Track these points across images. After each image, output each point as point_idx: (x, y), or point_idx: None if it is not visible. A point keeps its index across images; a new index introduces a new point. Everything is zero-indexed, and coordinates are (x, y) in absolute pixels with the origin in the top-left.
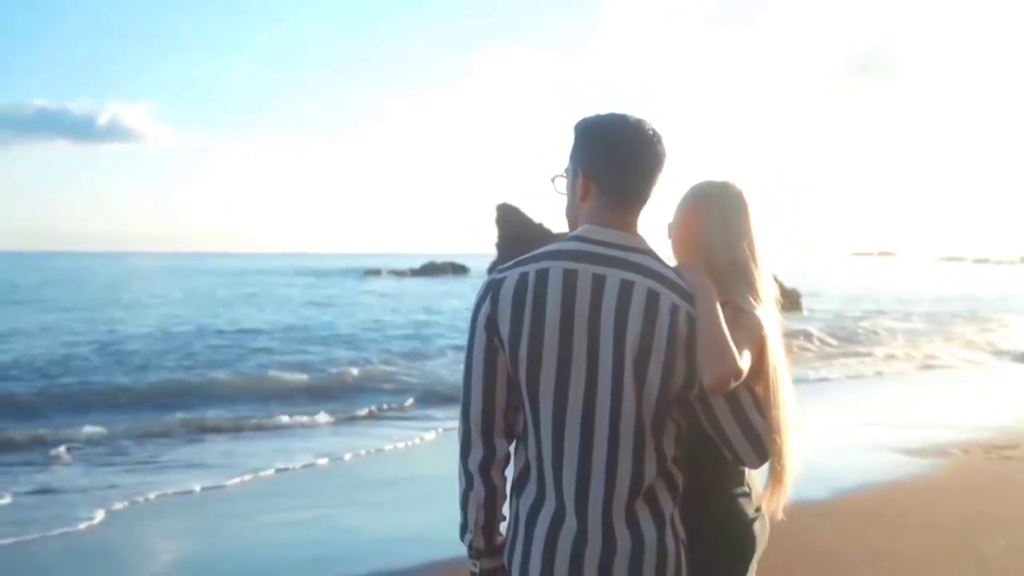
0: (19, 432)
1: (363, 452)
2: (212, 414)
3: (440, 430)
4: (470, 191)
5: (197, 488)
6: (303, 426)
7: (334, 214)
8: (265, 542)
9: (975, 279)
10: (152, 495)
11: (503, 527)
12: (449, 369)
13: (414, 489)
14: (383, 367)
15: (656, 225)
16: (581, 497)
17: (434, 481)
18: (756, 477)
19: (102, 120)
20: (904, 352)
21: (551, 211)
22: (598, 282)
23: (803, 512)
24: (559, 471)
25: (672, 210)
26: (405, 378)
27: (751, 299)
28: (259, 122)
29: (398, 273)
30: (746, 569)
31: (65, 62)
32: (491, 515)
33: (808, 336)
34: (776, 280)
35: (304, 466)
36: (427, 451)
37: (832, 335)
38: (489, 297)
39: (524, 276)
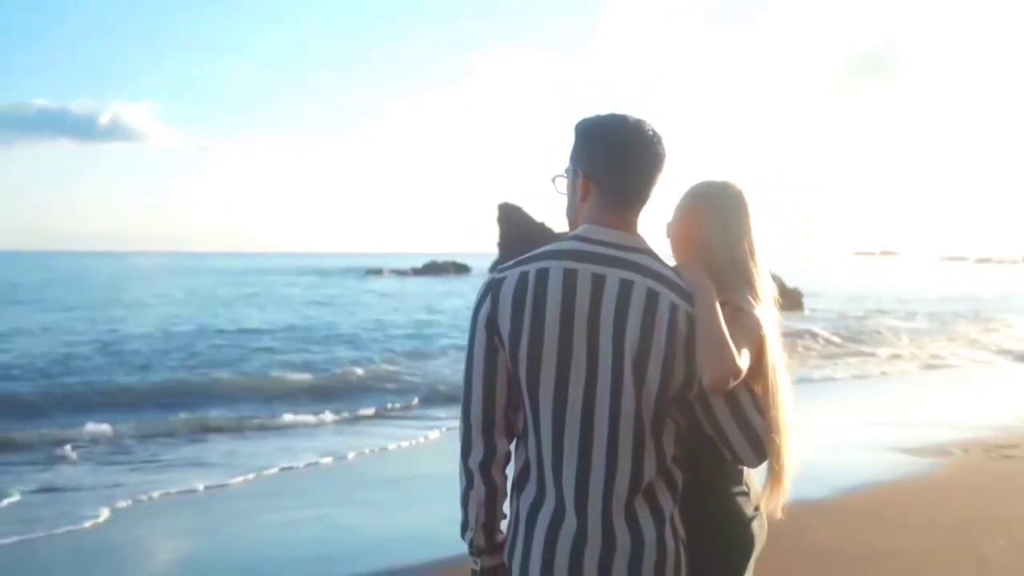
0: (24, 431)
1: (367, 451)
2: (215, 414)
3: (443, 429)
4: (470, 191)
5: (201, 487)
6: (306, 425)
7: (335, 214)
8: (268, 541)
9: (977, 279)
10: (156, 494)
11: (504, 525)
12: (452, 369)
13: (416, 488)
14: (386, 367)
15: (655, 225)
16: (581, 495)
17: (436, 480)
18: (754, 476)
19: (104, 120)
20: (908, 352)
21: (552, 211)
22: (598, 281)
23: (803, 511)
24: (559, 469)
25: (671, 210)
26: (408, 378)
27: (750, 299)
28: (259, 122)
29: (400, 272)
30: (745, 568)
31: (65, 62)
32: (492, 513)
33: (813, 336)
34: (777, 280)
35: (307, 465)
36: (430, 450)
37: (837, 335)
38: (489, 297)
39: (524, 275)
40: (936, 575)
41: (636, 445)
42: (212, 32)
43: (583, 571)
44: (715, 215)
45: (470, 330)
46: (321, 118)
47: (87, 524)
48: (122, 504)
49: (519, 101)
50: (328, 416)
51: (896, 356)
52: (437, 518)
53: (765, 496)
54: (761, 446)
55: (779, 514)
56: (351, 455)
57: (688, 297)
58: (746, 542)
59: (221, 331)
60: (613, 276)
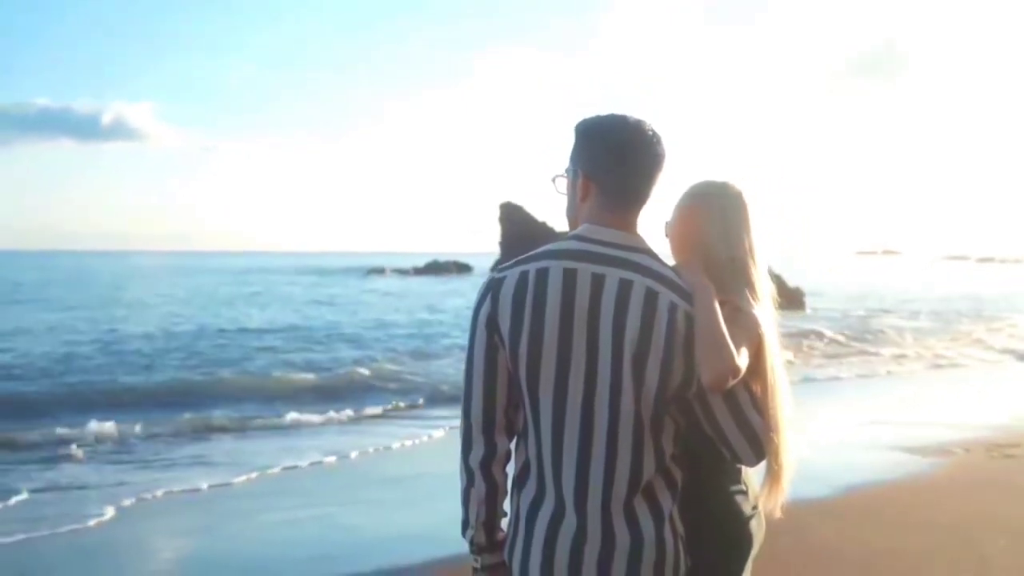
0: (29, 431)
1: (371, 450)
2: (219, 413)
3: (446, 428)
4: (471, 191)
5: (205, 486)
6: (310, 425)
7: (336, 213)
8: (270, 540)
9: (979, 278)
10: (160, 493)
11: (504, 523)
12: (455, 368)
13: (419, 487)
14: (389, 366)
15: (654, 224)
16: (580, 493)
17: (439, 479)
18: (753, 475)
19: (106, 119)
20: (913, 351)
21: (553, 210)
22: (597, 281)
23: (803, 510)
24: (558, 468)
25: (670, 209)
26: (411, 377)
27: (749, 298)
28: (259, 122)
29: (402, 272)
30: (743, 566)
31: (65, 62)
32: (492, 511)
33: (818, 335)
34: (778, 279)
35: (311, 464)
36: (434, 449)
37: (841, 334)
38: (489, 296)
39: (524, 275)
40: (936, 574)
41: (635, 443)
42: (212, 32)
43: (583, 569)
44: (715, 215)
45: (470, 329)
46: (321, 118)
47: (92, 522)
48: (127, 503)
49: (519, 101)
50: (332, 415)
51: (901, 356)
52: (439, 517)
53: (764, 495)
54: (760, 445)
55: (778, 513)
56: (354, 454)
57: (687, 297)
58: (744, 541)
59: (223, 330)
60: (612, 275)
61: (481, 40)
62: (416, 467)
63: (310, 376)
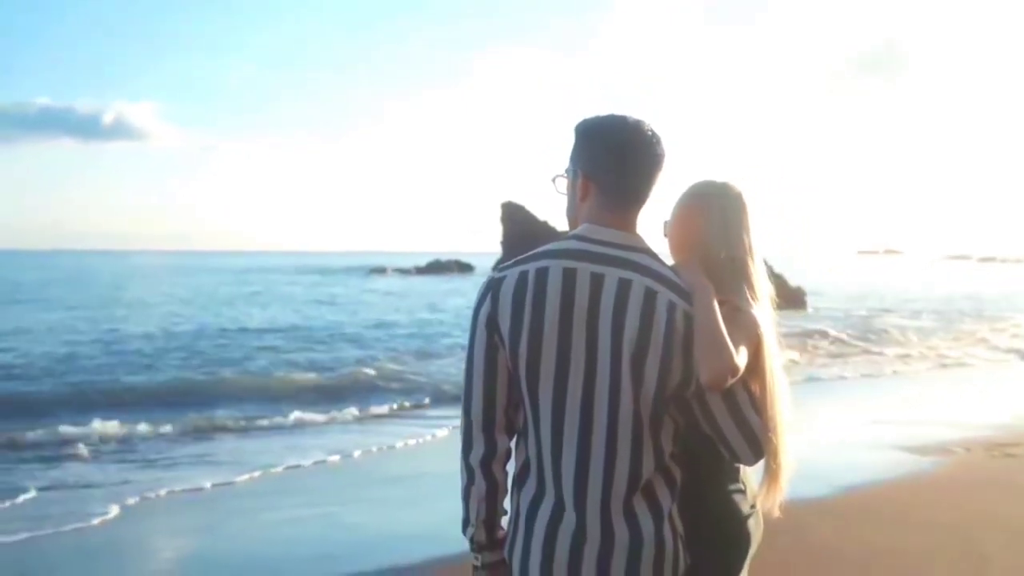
0: (33, 430)
1: (374, 449)
2: (222, 413)
3: (450, 428)
4: (471, 191)
5: (208, 485)
6: (314, 424)
7: (337, 213)
8: (273, 538)
9: (981, 277)
10: (164, 492)
11: (505, 521)
12: (457, 368)
13: (421, 486)
14: (391, 366)
15: (654, 224)
16: (580, 492)
17: (441, 478)
18: (751, 474)
19: (107, 119)
20: (916, 351)
21: (553, 210)
22: (596, 280)
23: (803, 509)
24: (558, 466)
25: (670, 209)
26: (413, 377)
27: (748, 298)
28: (259, 122)
29: (403, 271)
30: (741, 565)
31: (67, 61)
32: (492, 509)
33: (823, 334)
34: (780, 279)
35: (315, 463)
36: (437, 449)
37: (846, 333)
38: (489, 296)
39: (524, 275)
40: (936, 573)
41: (635, 442)
42: (212, 32)
43: (582, 567)
44: (714, 215)
45: (471, 329)
46: (321, 118)
47: (96, 521)
48: (131, 501)
49: (519, 101)
50: (336, 415)
51: (905, 355)
52: (441, 516)
53: (762, 495)
54: (758, 444)
55: (777, 512)
56: (357, 453)
57: (686, 296)
58: (743, 540)
59: (225, 330)
60: (612, 275)
61: (481, 40)
62: (419, 466)
63: (314, 376)
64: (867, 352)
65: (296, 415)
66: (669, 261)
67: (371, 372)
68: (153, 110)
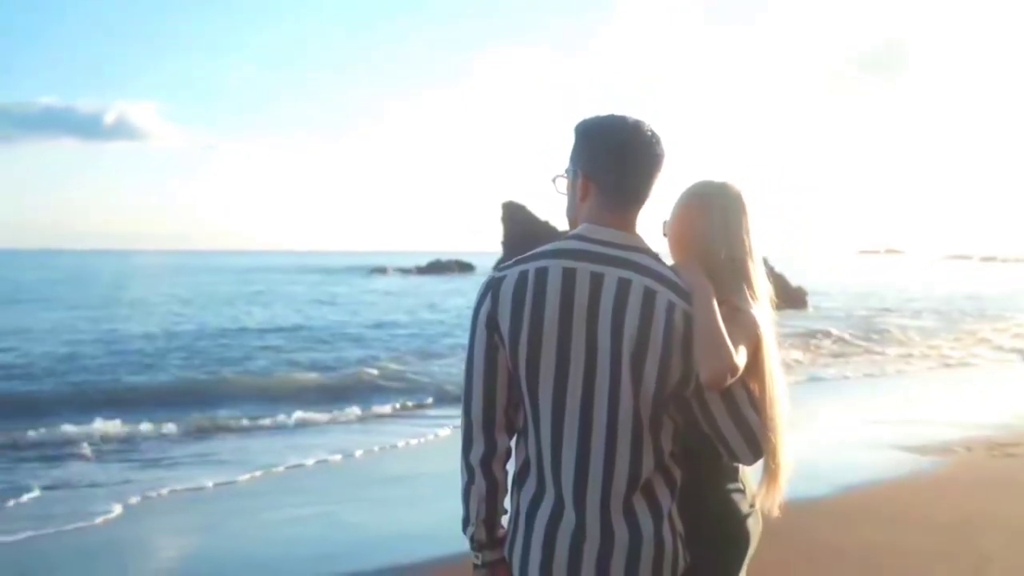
0: (36, 430)
1: (376, 448)
2: (224, 412)
3: (452, 427)
4: (471, 191)
5: (210, 484)
6: (316, 424)
7: (337, 213)
8: (274, 537)
9: (983, 277)
10: (165, 491)
11: (505, 520)
12: (459, 368)
13: (423, 486)
14: (393, 366)
15: (652, 224)
16: (579, 491)
17: (442, 478)
18: (749, 474)
19: (108, 118)
20: (919, 351)
21: (554, 210)
22: (596, 280)
23: (803, 509)
24: (558, 465)
25: (669, 209)
26: (417, 377)
27: (747, 298)
28: (259, 122)
29: (404, 271)
30: (741, 565)
31: (69, 61)
32: (492, 508)
33: (826, 334)
34: (781, 278)
35: (317, 462)
36: (439, 448)
37: (849, 333)
38: (489, 295)
39: (524, 274)
40: (936, 572)
41: (634, 442)
42: (212, 32)
43: (582, 566)
44: (715, 215)
45: (471, 328)
46: (321, 118)
47: (99, 520)
48: (133, 500)
49: (519, 101)
50: (338, 415)
51: (907, 355)
52: (442, 515)
53: (761, 494)
54: (757, 444)
55: (776, 512)
56: (359, 453)
57: (685, 296)
58: (741, 539)
59: (227, 330)
60: (611, 275)
61: (481, 40)
62: (420, 466)
63: (316, 376)
64: (870, 352)
65: (298, 415)
66: (669, 261)
67: (373, 372)
68: (154, 110)
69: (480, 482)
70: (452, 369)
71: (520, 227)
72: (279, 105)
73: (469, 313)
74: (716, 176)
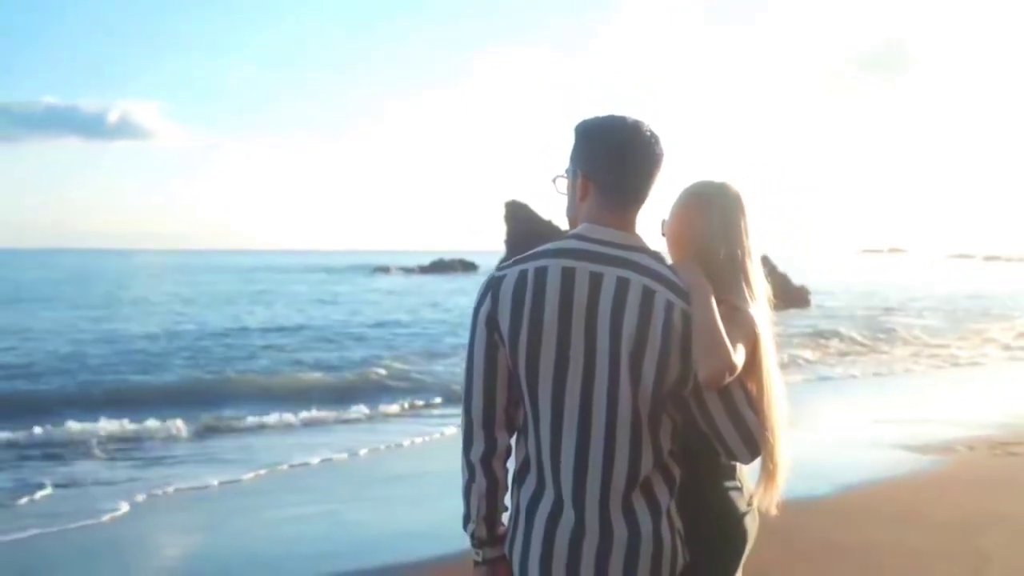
0: (42, 429)
1: (382, 447)
2: (230, 411)
3: (458, 426)
4: (471, 191)
5: (215, 482)
6: (323, 423)
7: (338, 212)
8: (277, 535)
9: (986, 276)
10: (171, 489)
11: (505, 518)
12: (463, 367)
13: (426, 484)
14: (399, 365)
15: (651, 223)
16: (578, 489)
17: (445, 476)
18: (747, 472)
19: (112, 117)
20: (926, 350)
21: (555, 209)
22: (595, 279)
23: (804, 507)
24: (557, 463)
25: (668, 208)
26: (422, 376)
27: (746, 297)
28: (260, 122)
29: (407, 270)
30: (738, 563)
31: (72, 61)
32: (493, 506)
33: (834, 333)
34: (785, 278)
35: (322, 461)
36: (444, 447)
37: (856, 332)
38: (489, 295)
39: (523, 274)
40: (936, 571)
41: (633, 440)
42: (212, 32)
43: (581, 563)
44: (715, 214)
45: (471, 327)
46: (321, 118)
47: (106, 518)
48: (140, 498)
49: (519, 101)
50: (345, 414)
51: (914, 354)
52: (445, 514)
53: (759, 493)
54: (754, 443)
55: (774, 511)
56: (364, 452)
57: (684, 295)
58: (739, 537)
59: (231, 329)
60: (610, 274)
61: (481, 40)
62: (425, 464)
63: (323, 375)
64: (877, 351)
65: (304, 414)
66: (669, 260)
67: (380, 371)
68: (157, 110)
69: (480, 480)
70: (457, 368)
71: (523, 226)
72: (279, 105)
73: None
74: (715, 176)
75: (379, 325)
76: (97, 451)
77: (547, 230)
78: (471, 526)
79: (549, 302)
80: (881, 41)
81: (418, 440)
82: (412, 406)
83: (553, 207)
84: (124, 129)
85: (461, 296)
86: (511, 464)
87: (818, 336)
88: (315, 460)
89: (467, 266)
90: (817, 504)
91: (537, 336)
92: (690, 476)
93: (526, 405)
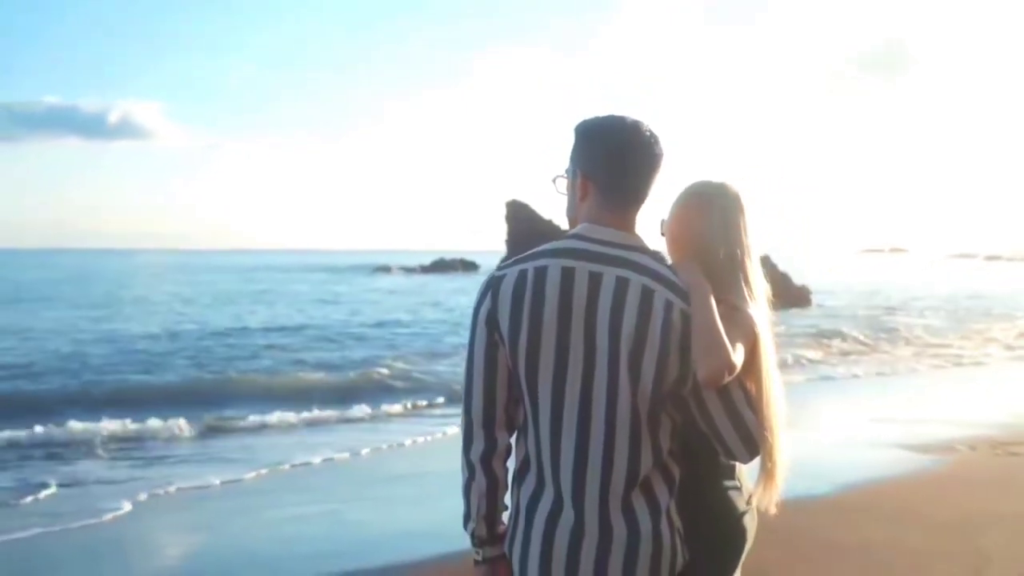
0: (44, 428)
1: (384, 447)
2: (232, 411)
3: (457, 426)
4: (471, 190)
5: (216, 482)
6: (325, 422)
7: (339, 212)
8: (278, 535)
9: (987, 276)
10: (173, 488)
11: (505, 517)
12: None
13: (427, 484)
14: (401, 365)
15: (651, 223)
16: (578, 488)
17: (447, 476)
18: (745, 471)
19: (113, 117)
20: (928, 349)
21: (555, 209)
22: (594, 279)
23: (804, 506)
24: (557, 462)
25: (667, 208)
26: (425, 376)
27: (745, 297)
28: (260, 122)
29: (408, 270)
30: (737, 561)
31: (72, 61)
32: (493, 505)
33: (836, 333)
34: (787, 278)
35: (324, 460)
36: (446, 446)
37: (859, 332)
38: (489, 294)
39: (523, 273)
40: (936, 571)
41: (632, 439)
42: (212, 32)
43: (580, 562)
44: (715, 214)
45: (471, 327)
46: (321, 118)
47: (108, 517)
48: (142, 497)
49: (519, 101)
50: (347, 413)
51: (917, 354)
52: (446, 513)
53: (758, 492)
54: (753, 443)
55: (773, 510)
56: (366, 451)
57: (683, 295)
58: (739, 536)
59: (233, 329)
60: (610, 274)
61: (481, 40)
62: (427, 464)
63: (324, 375)
64: (880, 351)
65: (307, 414)
66: (669, 260)
67: (383, 371)
68: (158, 110)
69: (480, 479)
70: (459, 368)
71: (524, 225)
72: (279, 105)
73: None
74: (715, 176)
75: (380, 325)
76: (99, 451)
77: (548, 230)
78: (471, 525)
79: (549, 302)
80: (881, 41)
81: (420, 440)
82: (415, 406)
83: (554, 207)
84: (124, 129)
85: (462, 296)
86: (511, 463)
87: (820, 336)
88: (317, 460)
89: (468, 266)
90: (817, 503)
91: (537, 335)
92: (689, 475)
93: (526, 404)
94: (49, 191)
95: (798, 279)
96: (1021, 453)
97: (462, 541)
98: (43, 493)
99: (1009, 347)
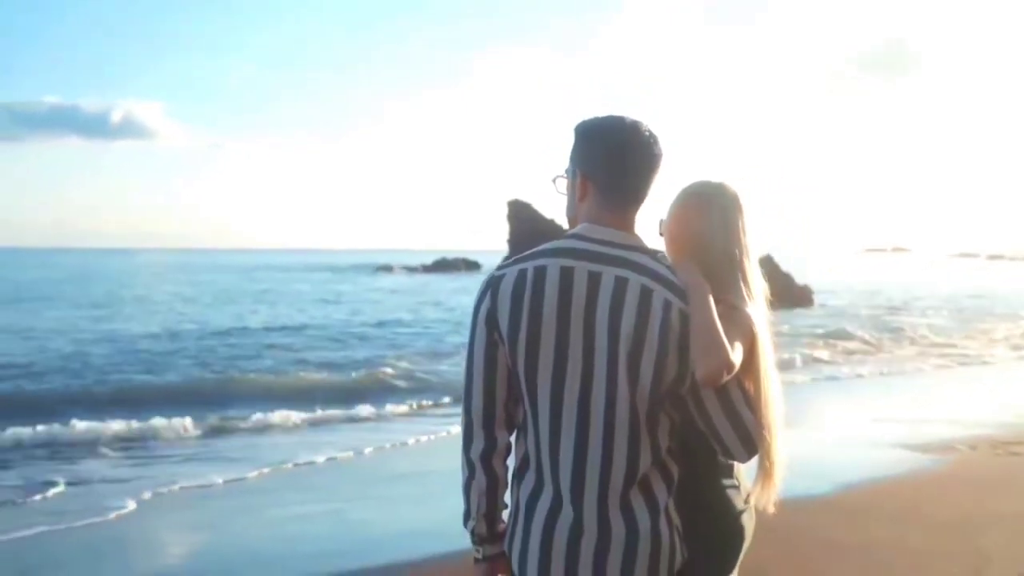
0: (48, 428)
1: (387, 446)
2: (235, 411)
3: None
4: (472, 190)
5: (220, 481)
6: (328, 422)
7: (340, 211)
8: (280, 534)
9: (990, 275)
10: (176, 487)
11: (505, 515)
12: None
13: (429, 483)
14: (405, 364)
15: (651, 223)
16: (577, 486)
17: (449, 475)
18: (743, 470)
19: (115, 117)
20: (933, 349)
21: (556, 208)
22: (594, 279)
23: (805, 505)
24: (556, 461)
25: (667, 208)
26: (429, 375)
27: (744, 296)
28: (260, 122)
29: (410, 269)
30: (736, 560)
31: (73, 61)
32: (492, 503)
33: (841, 333)
34: (789, 277)
35: (327, 460)
36: (449, 445)
37: (864, 332)
38: (489, 293)
39: (523, 273)
40: (936, 570)
41: (631, 438)
42: (212, 32)
43: (579, 561)
44: (714, 214)
45: (471, 326)
46: (321, 118)
47: (113, 515)
48: (146, 496)
49: (519, 101)
50: (351, 413)
51: (921, 353)
52: (448, 512)
53: (757, 491)
54: (751, 442)
55: (771, 509)
56: (369, 450)
57: (682, 295)
58: (737, 535)
59: (236, 329)
60: (608, 273)
61: (481, 40)
62: (430, 463)
63: (328, 375)
64: (883, 350)
65: (310, 413)
66: (668, 260)
67: (387, 370)
68: (160, 110)
69: (480, 477)
70: (462, 367)
71: (526, 225)
72: (279, 105)
73: None
74: (714, 176)
75: (382, 324)
76: (104, 450)
77: (550, 229)
78: (471, 523)
79: (548, 301)
80: (881, 41)
81: (423, 439)
82: (420, 406)
83: (555, 207)
84: (125, 129)
85: (464, 295)
86: (511, 461)
87: (824, 336)
88: (320, 459)
89: (470, 265)
90: (817, 503)
91: (536, 335)
92: (688, 474)
93: (525, 403)
94: (50, 191)
95: (799, 279)
96: (1022, 453)
97: (464, 540)
98: (51, 491)
99: (1016, 347)
